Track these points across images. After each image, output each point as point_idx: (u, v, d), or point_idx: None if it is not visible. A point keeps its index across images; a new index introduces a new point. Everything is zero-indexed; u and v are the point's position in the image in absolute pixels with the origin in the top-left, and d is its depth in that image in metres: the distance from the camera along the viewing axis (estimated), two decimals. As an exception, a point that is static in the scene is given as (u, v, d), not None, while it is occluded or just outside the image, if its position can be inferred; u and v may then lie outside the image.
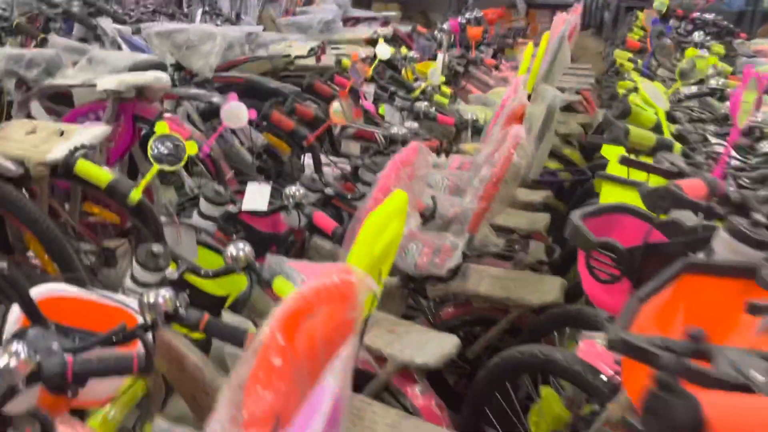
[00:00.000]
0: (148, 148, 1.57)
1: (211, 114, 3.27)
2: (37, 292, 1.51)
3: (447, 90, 3.91)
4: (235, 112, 2.07)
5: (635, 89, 2.20)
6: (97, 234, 2.59)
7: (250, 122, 3.31)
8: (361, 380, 1.77)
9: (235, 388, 0.82)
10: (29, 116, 2.81)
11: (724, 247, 1.14)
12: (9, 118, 2.91)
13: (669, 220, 1.31)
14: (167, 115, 2.52)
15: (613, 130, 1.65)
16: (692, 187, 1.13)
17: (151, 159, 1.58)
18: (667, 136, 1.80)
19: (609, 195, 1.76)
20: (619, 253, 1.21)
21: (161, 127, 1.57)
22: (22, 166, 2.10)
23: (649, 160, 1.60)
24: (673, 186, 1.12)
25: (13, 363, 1.00)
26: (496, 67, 4.84)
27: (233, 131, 3.59)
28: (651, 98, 1.99)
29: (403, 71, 4.16)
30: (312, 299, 0.90)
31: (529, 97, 3.07)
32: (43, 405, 1.21)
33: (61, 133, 2.22)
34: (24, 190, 2.25)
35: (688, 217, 1.36)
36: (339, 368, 0.74)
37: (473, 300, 2.16)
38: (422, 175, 1.74)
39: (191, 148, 1.60)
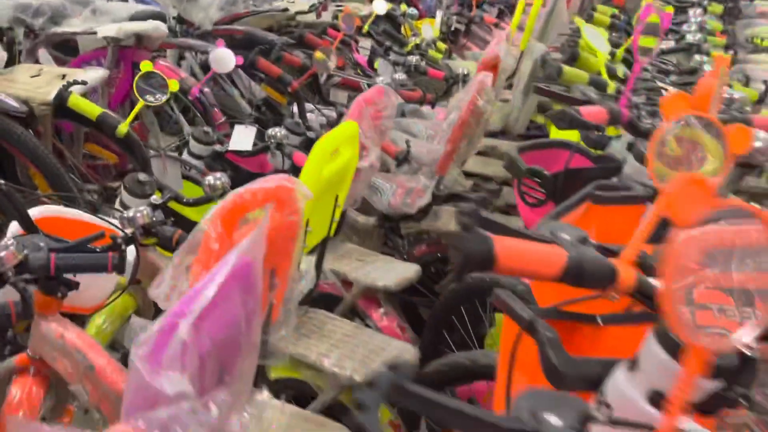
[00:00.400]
0: (134, 84, 1.73)
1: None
2: (35, 211, 1.70)
3: (442, 46, 4.01)
4: (223, 58, 2.21)
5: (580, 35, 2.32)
6: (99, 175, 2.78)
7: (252, 75, 3.48)
8: (329, 303, 1.94)
9: (178, 266, 0.99)
10: (37, 62, 2.97)
11: (632, 171, 1.28)
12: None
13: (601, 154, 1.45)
14: (162, 61, 2.67)
15: (547, 68, 1.77)
16: (593, 112, 1.26)
17: (137, 94, 1.74)
18: (605, 77, 1.92)
19: (555, 133, 1.89)
20: (544, 178, 1.35)
21: (146, 66, 1.72)
22: (27, 106, 2.28)
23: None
24: (571, 109, 1.25)
25: (2, 253, 1.17)
26: (497, 26, 4.91)
27: (234, 84, 3.77)
28: (592, 42, 2.09)
29: (403, 27, 4.27)
30: (248, 197, 1.06)
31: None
32: (36, 306, 1.40)
33: (63, 77, 2.39)
34: (31, 131, 2.43)
35: (619, 151, 1.49)
36: (252, 239, 0.89)
37: (443, 238, 2.31)
38: (388, 115, 1.87)
39: (173, 86, 1.75)
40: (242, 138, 2.28)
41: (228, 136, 2.41)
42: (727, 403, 0.75)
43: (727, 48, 3.07)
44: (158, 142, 2.87)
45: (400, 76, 2.99)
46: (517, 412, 0.46)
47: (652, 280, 0.75)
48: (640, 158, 1.22)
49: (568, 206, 1.25)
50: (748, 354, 0.72)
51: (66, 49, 3.27)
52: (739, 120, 1.55)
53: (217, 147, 2.24)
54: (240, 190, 1.07)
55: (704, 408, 0.74)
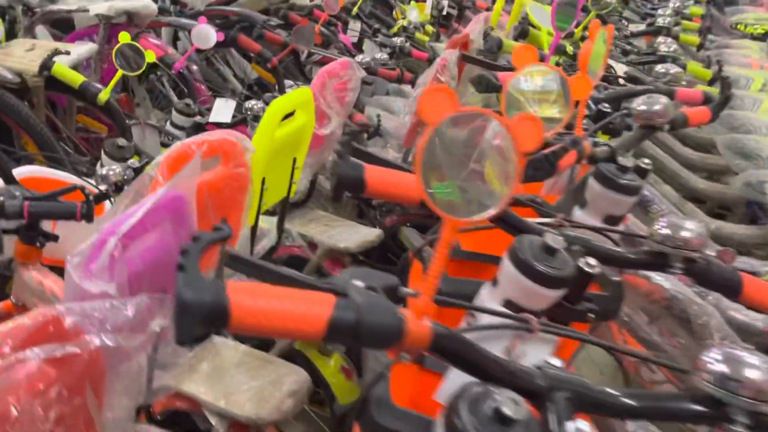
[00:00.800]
0: (113, 55, 1.85)
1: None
2: (19, 170, 1.84)
3: (430, 29, 4.11)
4: (204, 34, 2.33)
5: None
6: (92, 147, 2.93)
7: (248, 58, 3.60)
8: (296, 265, 2.07)
9: (128, 204, 1.12)
10: (34, 39, 3.11)
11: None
12: (19, 42, 3.22)
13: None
14: (151, 38, 2.80)
15: (488, 41, 1.88)
16: (508, 77, 1.37)
17: (116, 64, 1.87)
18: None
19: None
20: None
21: (124, 37, 1.85)
22: (21, 77, 2.42)
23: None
24: (489, 74, 1.36)
25: (-20, 200, 1.30)
26: (488, 10, 4.99)
27: (229, 65, 3.91)
28: (536, 20, 2.18)
29: (394, 11, 4.39)
30: (194, 148, 1.19)
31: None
32: (18, 255, 1.54)
33: (55, 50, 2.52)
34: (26, 103, 2.58)
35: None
36: (182, 176, 1.01)
37: (411, 207, 2.44)
38: (353, 87, 1.99)
39: (150, 56, 1.88)
40: (222, 111, 2.41)
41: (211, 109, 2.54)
42: (575, 315, 0.88)
43: (700, 32, 3.16)
44: (148, 116, 3.01)
45: (382, 56, 3.10)
46: (336, 279, 0.58)
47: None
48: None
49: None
50: (586, 269, 0.85)
51: (64, 27, 3.41)
52: (662, 90, 1.66)
53: (198, 118, 2.37)
54: (186, 140, 1.20)
55: (553, 317, 0.86)
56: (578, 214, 1.15)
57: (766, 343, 1.43)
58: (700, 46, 3.02)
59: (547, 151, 1.03)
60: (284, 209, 1.77)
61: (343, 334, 0.52)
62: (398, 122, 2.55)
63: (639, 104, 1.32)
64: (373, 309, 0.53)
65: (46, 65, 2.09)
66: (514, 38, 2.18)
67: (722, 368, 0.58)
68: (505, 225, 0.90)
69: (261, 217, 2.01)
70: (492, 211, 0.55)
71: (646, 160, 1.13)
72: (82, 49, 2.42)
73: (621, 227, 1.12)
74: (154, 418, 1.46)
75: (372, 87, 3.56)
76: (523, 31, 2.16)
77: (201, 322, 0.50)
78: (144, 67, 1.86)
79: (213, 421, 1.34)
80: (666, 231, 0.89)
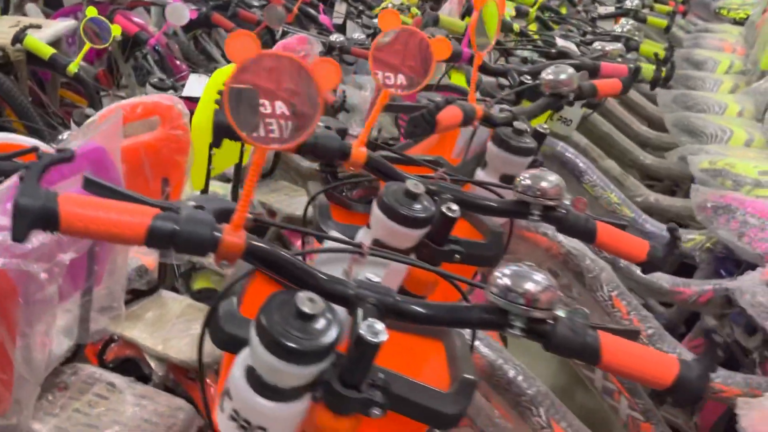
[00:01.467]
0: (80, 27, 1.95)
1: (190, 26, 3.65)
2: (-9, 137, 1.95)
3: (415, 11, 4.18)
4: (177, 11, 2.43)
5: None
6: (76, 120, 3.04)
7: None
8: (258, 232, 2.17)
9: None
10: (24, 16, 3.22)
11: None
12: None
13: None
14: (135, 17, 2.90)
15: (426, 17, 1.96)
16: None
17: (83, 37, 1.97)
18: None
19: (454, 79, 2.09)
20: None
21: (90, 11, 1.95)
22: (3, 52, 2.53)
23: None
24: None
25: (-62, 155, 1.41)
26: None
27: (218, 45, 4.00)
28: None
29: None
30: (129, 109, 1.29)
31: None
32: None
33: (38, 27, 2.63)
34: (13, 77, 2.69)
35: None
36: (102, 129, 1.11)
37: (376, 181, 2.53)
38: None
39: (116, 30, 1.98)
40: (195, 85, 2.50)
41: (189, 85, 2.64)
42: (441, 255, 0.97)
43: (672, 15, 3.21)
44: (134, 91, 3.12)
45: (359, 35, 3.18)
46: (176, 201, 0.68)
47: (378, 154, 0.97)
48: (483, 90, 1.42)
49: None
50: (447, 213, 0.94)
51: (55, 5, 3.54)
52: (587, 64, 1.74)
53: (171, 93, 2.47)
54: (122, 102, 1.30)
55: (421, 256, 0.96)
56: (480, 174, 1.24)
57: (674, 301, 1.52)
58: (668, 29, 3.08)
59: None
60: (237, 175, 1.86)
61: (162, 241, 0.62)
62: (364, 98, 2.63)
63: (547, 74, 1.40)
64: (190, 221, 0.63)
65: (18, 38, 2.20)
66: (461, 16, 2.27)
67: (506, 282, 0.67)
68: (378, 173, 1.00)
69: (220, 184, 2.12)
70: (296, 141, 0.64)
71: (545, 125, 1.22)
72: (62, 25, 2.53)
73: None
74: (106, 365, 1.58)
75: (354, 67, 3.65)
76: (469, 8, 2.26)
77: (33, 223, 0.59)
78: (110, 41, 1.96)
79: (153, 364, 1.44)
80: (527, 182, 0.98)
